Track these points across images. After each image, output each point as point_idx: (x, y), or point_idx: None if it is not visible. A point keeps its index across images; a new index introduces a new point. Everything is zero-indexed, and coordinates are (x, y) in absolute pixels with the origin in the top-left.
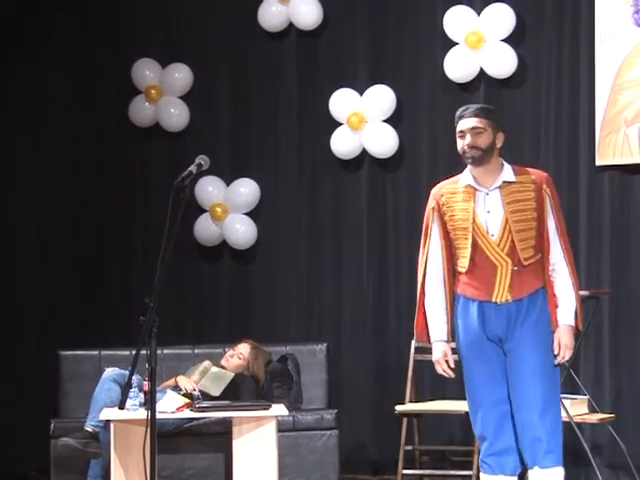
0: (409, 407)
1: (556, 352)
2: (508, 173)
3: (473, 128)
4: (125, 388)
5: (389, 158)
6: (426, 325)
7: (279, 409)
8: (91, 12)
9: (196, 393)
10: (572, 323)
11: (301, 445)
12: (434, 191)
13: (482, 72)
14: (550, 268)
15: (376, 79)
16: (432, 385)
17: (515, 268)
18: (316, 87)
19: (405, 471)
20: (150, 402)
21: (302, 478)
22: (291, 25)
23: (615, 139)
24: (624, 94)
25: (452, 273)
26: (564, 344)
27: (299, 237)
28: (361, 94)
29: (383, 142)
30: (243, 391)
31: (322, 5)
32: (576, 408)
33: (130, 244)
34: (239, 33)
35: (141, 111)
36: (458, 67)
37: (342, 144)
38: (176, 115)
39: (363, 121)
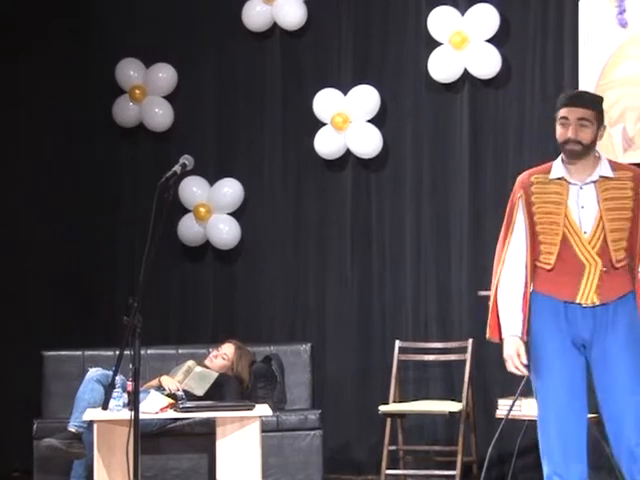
0: (393, 407)
1: None
2: (606, 168)
3: (581, 119)
4: (108, 388)
5: (373, 158)
6: (499, 322)
7: (263, 409)
8: (75, 12)
9: (180, 393)
10: None
11: (285, 445)
12: (522, 178)
13: (466, 72)
14: None
15: (360, 79)
16: (416, 385)
17: (604, 269)
18: (300, 87)
19: (389, 471)
20: (134, 402)
21: (286, 478)
22: (275, 25)
23: None
24: (608, 94)
25: (533, 269)
26: None
27: (283, 237)
28: (345, 94)
29: (367, 142)
30: (227, 391)
31: (306, 5)
32: None
33: (114, 244)
34: (223, 33)
35: (125, 111)
36: (442, 67)
37: (326, 144)
38: (160, 115)
39: (347, 121)
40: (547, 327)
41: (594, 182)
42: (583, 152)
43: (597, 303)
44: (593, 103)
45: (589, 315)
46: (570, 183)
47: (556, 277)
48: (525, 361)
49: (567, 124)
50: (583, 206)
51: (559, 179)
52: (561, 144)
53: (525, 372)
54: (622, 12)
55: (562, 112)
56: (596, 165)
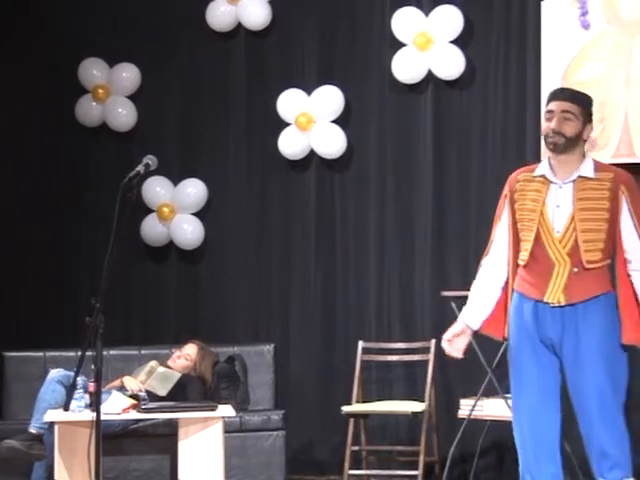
0: (356, 407)
1: None
2: (587, 168)
3: (564, 111)
4: (70, 389)
5: (337, 159)
6: (494, 318)
7: (226, 410)
8: (38, 11)
9: (142, 394)
10: None
11: (248, 446)
12: (511, 177)
13: (430, 73)
14: (630, 273)
15: (324, 80)
16: (379, 385)
17: (575, 270)
18: (264, 87)
19: (351, 471)
20: (95, 403)
21: (249, 479)
22: (240, 25)
23: None
24: None
25: (515, 267)
26: None
27: (247, 237)
28: (309, 94)
29: (331, 143)
30: (190, 392)
31: (271, 5)
32: None
33: (77, 244)
34: (187, 33)
35: (88, 111)
36: (406, 68)
37: (290, 144)
38: (124, 115)
39: (311, 121)
40: (520, 327)
41: (573, 182)
42: (565, 145)
43: (563, 303)
44: (578, 98)
45: (558, 315)
46: (551, 182)
47: (528, 275)
48: (459, 346)
49: (551, 117)
50: (559, 205)
51: (542, 177)
52: (544, 137)
53: (457, 355)
54: (584, 14)
55: (548, 107)
56: (580, 164)
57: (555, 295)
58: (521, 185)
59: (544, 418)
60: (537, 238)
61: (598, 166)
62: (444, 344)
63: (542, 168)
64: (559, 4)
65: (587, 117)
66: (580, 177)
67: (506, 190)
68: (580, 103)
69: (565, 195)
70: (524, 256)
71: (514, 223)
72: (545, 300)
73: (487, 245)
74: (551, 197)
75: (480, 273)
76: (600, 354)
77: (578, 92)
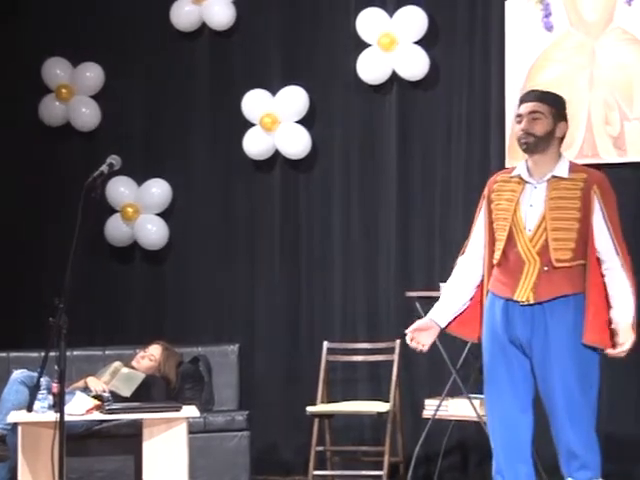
0: (320, 408)
1: (620, 342)
2: (562, 168)
3: (531, 112)
4: (33, 390)
5: (302, 159)
6: (467, 319)
7: (190, 410)
8: (1, 10)
9: (106, 394)
10: (629, 321)
11: (212, 447)
12: (490, 179)
13: (394, 74)
14: (603, 273)
15: (289, 80)
16: (344, 386)
17: (545, 268)
18: (229, 87)
19: (316, 472)
20: (59, 404)
21: (213, 479)
22: (204, 25)
23: None
24: None
25: (491, 266)
26: (631, 340)
27: (211, 238)
28: (274, 95)
29: (296, 143)
30: (154, 392)
31: (235, 6)
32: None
33: (42, 244)
34: (151, 32)
35: (52, 110)
36: (371, 69)
37: (255, 145)
38: (87, 115)
39: (276, 122)
40: (492, 327)
41: (547, 182)
42: (537, 145)
43: (532, 302)
44: (546, 98)
45: (527, 314)
46: (527, 182)
47: (501, 275)
48: (423, 340)
49: (521, 120)
50: (532, 205)
51: (518, 177)
52: (517, 140)
53: (419, 348)
54: (548, 15)
55: (517, 111)
56: (555, 165)
57: (525, 293)
58: (499, 186)
59: (516, 418)
60: (509, 237)
61: (573, 167)
62: (407, 336)
63: (519, 169)
64: (523, 6)
65: (558, 116)
66: (554, 177)
67: (485, 191)
68: (548, 102)
69: (539, 195)
70: (497, 255)
71: (490, 223)
72: (515, 298)
73: (464, 244)
74: (525, 197)
75: (454, 272)
76: (568, 354)
77: (546, 92)
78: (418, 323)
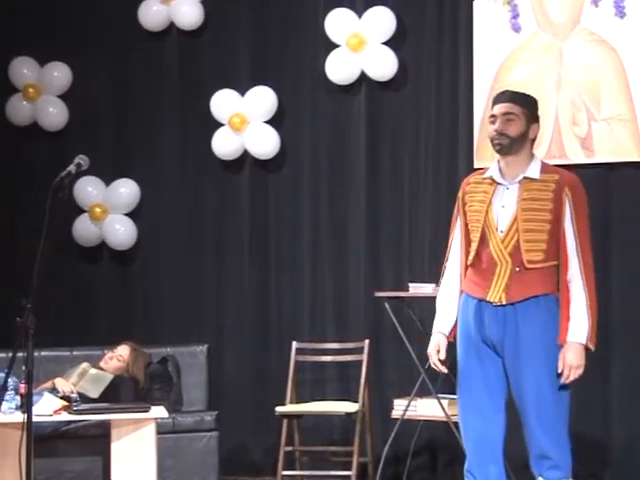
0: (289, 408)
1: (560, 370)
2: (534, 169)
3: (505, 114)
4: (0, 391)
5: (271, 159)
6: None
7: (159, 411)
8: None
9: (74, 395)
10: (582, 341)
11: (181, 447)
12: (464, 181)
13: (363, 74)
14: (567, 279)
15: (258, 80)
16: (313, 386)
17: (517, 269)
18: (197, 87)
19: (285, 472)
20: (26, 405)
21: None
22: (172, 25)
23: None
24: None
25: (466, 267)
26: (569, 363)
27: (180, 238)
28: (243, 95)
29: (265, 143)
30: (122, 393)
31: (203, 5)
32: (454, 408)
33: (8, 244)
34: (119, 32)
35: (19, 110)
36: (339, 69)
37: (224, 145)
38: (55, 114)
39: (245, 122)
40: (465, 327)
41: (519, 183)
42: (510, 146)
43: (504, 302)
44: (519, 99)
45: (500, 315)
46: (499, 183)
47: (474, 275)
48: (443, 358)
49: (494, 120)
50: (504, 206)
51: (490, 179)
52: (491, 141)
53: (443, 369)
54: (515, 16)
55: (491, 112)
56: (527, 166)
57: (497, 294)
58: (471, 187)
59: (488, 418)
60: (482, 238)
61: (545, 167)
62: (435, 361)
63: (491, 170)
64: (490, 7)
65: (531, 117)
66: (526, 178)
67: (459, 193)
68: (521, 103)
69: (511, 196)
70: (471, 256)
71: (465, 225)
72: (487, 299)
73: (447, 250)
74: (497, 198)
75: (442, 280)
76: (539, 354)
77: (519, 93)
78: (436, 346)
